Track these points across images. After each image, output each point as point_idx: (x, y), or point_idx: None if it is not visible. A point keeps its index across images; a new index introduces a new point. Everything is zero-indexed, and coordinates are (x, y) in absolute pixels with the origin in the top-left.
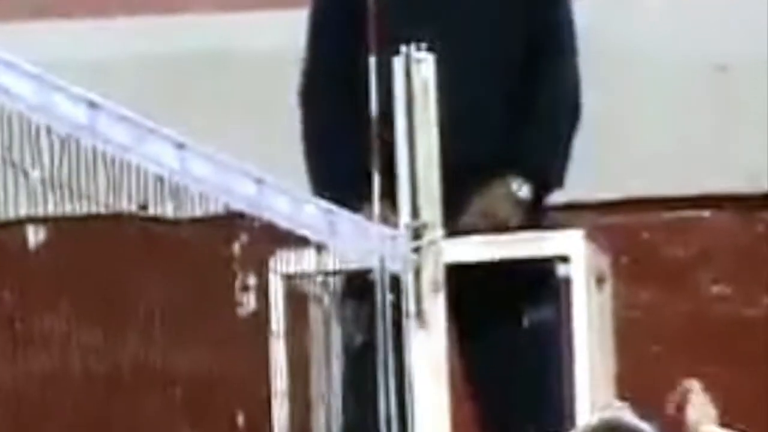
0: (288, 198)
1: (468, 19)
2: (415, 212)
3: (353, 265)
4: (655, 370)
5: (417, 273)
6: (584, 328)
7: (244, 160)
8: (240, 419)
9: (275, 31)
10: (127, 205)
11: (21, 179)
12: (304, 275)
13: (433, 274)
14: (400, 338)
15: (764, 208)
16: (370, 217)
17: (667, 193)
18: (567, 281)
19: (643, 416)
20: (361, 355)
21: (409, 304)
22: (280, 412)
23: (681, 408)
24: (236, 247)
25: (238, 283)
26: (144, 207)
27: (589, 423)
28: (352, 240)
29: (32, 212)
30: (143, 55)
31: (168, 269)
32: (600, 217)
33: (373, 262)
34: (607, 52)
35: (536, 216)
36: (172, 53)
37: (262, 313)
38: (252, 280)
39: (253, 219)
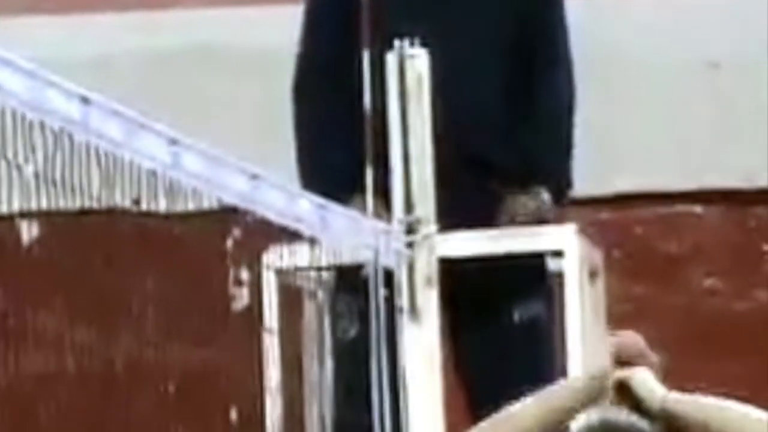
0: (281, 193)
1: (462, 16)
2: (408, 207)
3: (346, 260)
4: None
5: (410, 267)
6: (577, 323)
7: (237, 155)
8: (233, 414)
9: (267, 26)
10: (120, 200)
11: (14, 174)
12: (297, 270)
13: (426, 268)
14: (394, 332)
15: (756, 203)
16: (359, 210)
17: (660, 189)
18: (560, 276)
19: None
20: (355, 350)
21: (403, 299)
22: (274, 406)
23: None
24: (229, 242)
25: (231, 278)
26: (137, 202)
27: (587, 422)
28: (346, 235)
29: (25, 207)
30: (136, 50)
31: (161, 264)
32: (593, 212)
33: (366, 257)
34: (600, 49)
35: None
36: (164, 49)
37: (256, 308)
38: (245, 275)
39: (246, 214)
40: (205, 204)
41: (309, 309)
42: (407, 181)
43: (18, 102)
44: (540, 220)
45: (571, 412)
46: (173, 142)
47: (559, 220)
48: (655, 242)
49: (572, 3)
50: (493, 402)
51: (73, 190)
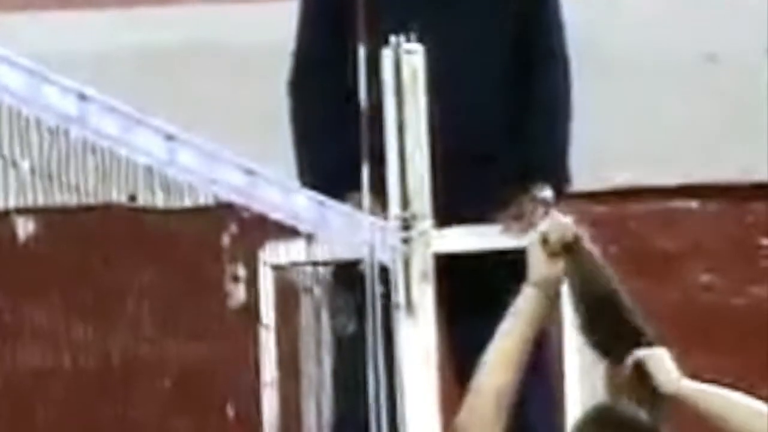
0: (278, 189)
1: (458, 12)
2: (404, 203)
3: (343, 256)
4: None
5: (406, 263)
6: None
7: (235, 151)
8: (230, 410)
9: (265, 23)
10: (116, 196)
11: (10, 170)
12: (294, 266)
13: (422, 264)
14: (390, 328)
15: (754, 198)
16: (355, 207)
17: (657, 184)
18: None
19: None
20: (352, 345)
21: (399, 294)
22: (270, 402)
23: None
24: (226, 238)
25: (227, 274)
26: (133, 198)
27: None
28: (342, 231)
29: (21, 203)
30: (133, 47)
31: (157, 260)
32: (589, 207)
33: (362, 253)
34: (596, 44)
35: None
36: (162, 45)
37: (252, 304)
38: (242, 271)
39: (242, 210)
40: (202, 200)
41: (305, 305)
42: (403, 177)
43: (14, 98)
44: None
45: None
46: (170, 138)
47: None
48: (652, 237)
49: None
50: None
51: (69, 186)
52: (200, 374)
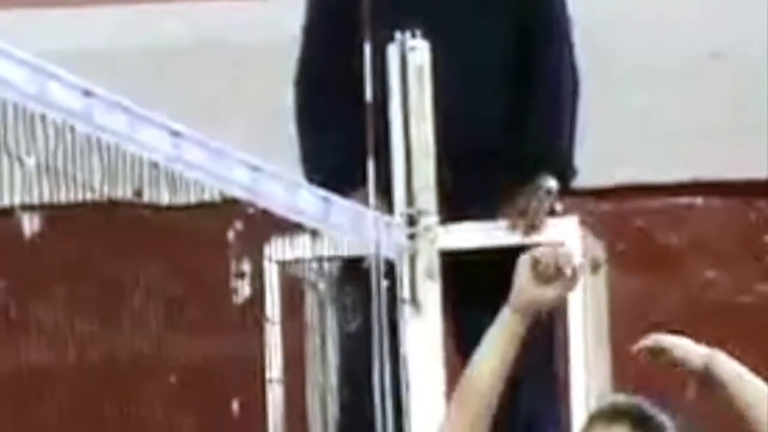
0: (283, 185)
1: (462, 8)
2: (410, 199)
3: (348, 252)
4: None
5: (412, 259)
6: (580, 315)
7: (242, 148)
8: (235, 405)
9: (272, 19)
10: (122, 192)
11: (16, 167)
12: (299, 261)
13: (427, 260)
14: (396, 324)
15: (758, 195)
16: (360, 203)
17: (661, 180)
18: None
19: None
20: (357, 340)
21: (404, 291)
22: (275, 397)
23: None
24: (231, 234)
25: (233, 270)
26: (139, 194)
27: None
28: (347, 227)
29: (27, 200)
30: (140, 43)
31: (163, 256)
32: (594, 203)
33: (368, 249)
34: (601, 40)
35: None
36: (170, 42)
37: (257, 300)
38: (247, 267)
39: (248, 206)
40: (207, 196)
41: (311, 300)
42: (408, 173)
43: (20, 94)
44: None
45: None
46: (175, 134)
47: (561, 211)
48: (657, 234)
49: None
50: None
51: (75, 182)
52: (205, 370)
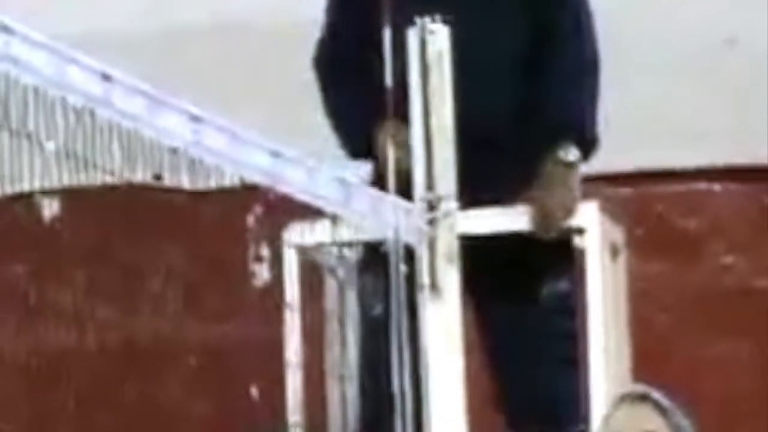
0: (303, 169)
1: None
2: (429, 184)
3: (368, 237)
4: (668, 341)
5: (431, 245)
6: (599, 300)
7: (260, 133)
8: (254, 391)
9: (293, 2)
10: (141, 176)
11: (36, 151)
12: (318, 246)
13: (447, 245)
14: (415, 310)
15: None
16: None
17: (680, 166)
18: (582, 253)
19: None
20: (376, 326)
21: (424, 276)
22: (294, 383)
23: None
24: (251, 219)
25: (252, 255)
26: (159, 178)
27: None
28: (367, 211)
29: (47, 184)
30: (159, 27)
31: (182, 241)
32: (613, 189)
33: (387, 234)
34: (617, 27)
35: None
36: (189, 25)
37: (277, 285)
38: (266, 252)
39: (267, 190)
40: (227, 181)
41: (330, 285)
42: (428, 159)
43: (39, 79)
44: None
45: None
46: (195, 118)
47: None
48: (676, 220)
49: None
50: (518, 378)
51: (94, 166)
52: (224, 355)
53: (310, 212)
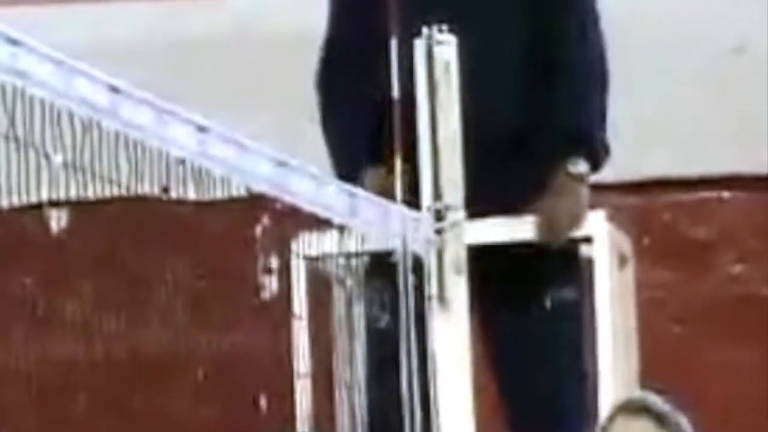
0: (310, 180)
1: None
2: (437, 194)
3: (375, 247)
4: (676, 350)
5: (439, 255)
6: (607, 309)
7: (268, 143)
8: (263, 401)
9: (300, 12)
10: (149, 188)
11: (43, 163)
12: (326, 257)
13: (455, 255)
14: (423, 320)
15: None
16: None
17: (688, 174)
18: (590, 262)
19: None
20: (385, 337)
21: (431, 286)
22: (303, 394)
23: None
24: (258, 230)
25: (260, 266)
26: (166, 190)
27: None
28: (375, 222)
29: (54, 196)
30: (165, 38)
31: (190, 252)
32: (621, 198)
33: (395, 244)
34: (625, 35)
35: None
36: (195, 36)
37: (285, 296)
38: (274, 263)
39: (275, 201)
40: (234, 191)
41: (338, 296)
42: (436, 168)
43: (46, 90)
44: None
45: None
46: (201, 129)
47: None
48: (684, 228)
49: None
50: (524, 387)
51: (101, 178)
52: (233, 366)
53: (318, 222)
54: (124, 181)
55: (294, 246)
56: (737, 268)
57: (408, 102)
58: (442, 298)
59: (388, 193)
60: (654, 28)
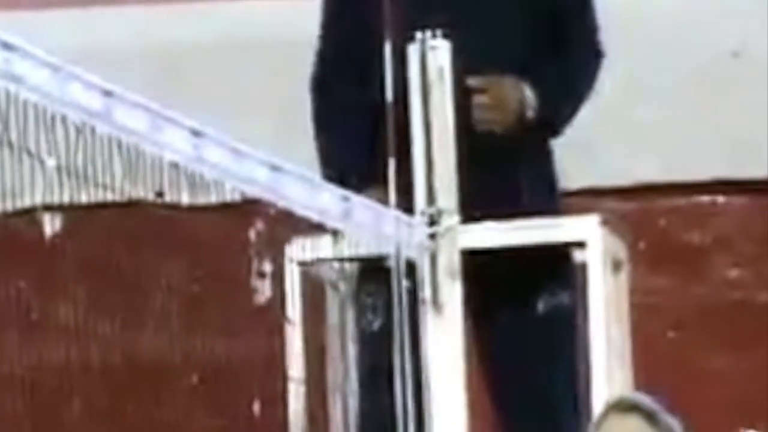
0: (304, 185)
1: (481, 4)
2: (431, 199)
3: (369, 252)
4: (671, 355)
5: (433, 259)
6: (601, 314)
7: (260, 147)
8: (256, 406)
9: (295, 18)
10: (143, 192)
11: (37, 167)
12: (320, 262)
13: (449, 260)
14: (417, 324)
15: None
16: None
17: (683, 179)
18: (584, 267)
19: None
20: (379, 342)
21: (425, 291)
22: (297, 398)
23: None
24: (252, 234)
25: (254, 270)
26: (160, 194)
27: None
28: (368, 227)
29: (48, 200)
30: (160, 43)
31: (184, 257)
32: (616, 202)
33: (389, 249)
34: (623, 39)
35: (555, 201)
36: (189, 41)
37: (278, 300)
38: (268, 267)
39: (269, 206)
40: (228, 196)
41: (332, 301)
42: (429, 173)
43: (40, 95)
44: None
45: None
46: (196, 134)
47: (582, 210)
48: (680, 233)
49: None
50: (517, 393)
51: (95, 183)
52: (226, 371)
53: (312, 227)
54: (118, 185)
55: (288, 251)
56: (733, 273)
57: (403, 107)
58: (435, 303)
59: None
60: (652, 31)
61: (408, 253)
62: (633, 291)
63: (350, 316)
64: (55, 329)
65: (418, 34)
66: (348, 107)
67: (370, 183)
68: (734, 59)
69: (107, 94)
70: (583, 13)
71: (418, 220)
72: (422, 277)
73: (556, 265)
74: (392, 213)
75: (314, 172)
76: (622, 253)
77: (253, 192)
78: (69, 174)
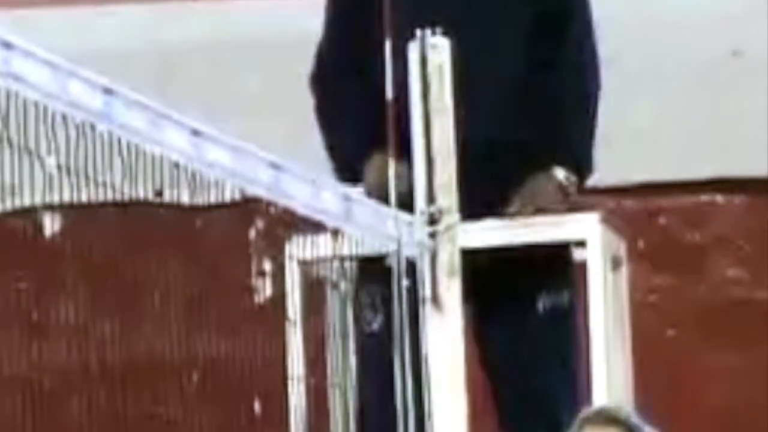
0: (304, 184)
1: (478, 4)
2: (431, 197)
3: (369, 251)
4: (670, 353)
5: (433, 258)
6: (600, 313)
7: (261, 146)
8: (257, 405)
9: (295, 17)
10: (143, 191)
11: (37, 166)
12: (320, 260)
13: (449, 259)
14: (417, 323)
15: None
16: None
17: (683, 178)
18: (583, 265)
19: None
20: (379, 340)
21: (425, 289)
22: (297, 397)
23: None
24: (252, 233)
25: (254, 269)
26: (160, 193)
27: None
28: (369, 225)
29: (48, 199)
30: (160, 42)
31: (184, 255)
32: (616, 201)
33: (389, 248)
34: (622, 37)
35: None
36: (190, 41)
37: (279, 299)
38: (268, 266)
39: (269, 205)
40: (228, 195)
41: (332, 299)
42: (429, 172)
43: (40, 94)
44: (558, 201)
45: None
46: (196, 133)
47: (581, 209)
48: (680, 232)
49: None
50: (517, 391)
51: (95, 181)
52: (227, 370)
53: (312, 226)
54: (118, 184)
55: (288, 249)
56: (732, 272)
57: (404, 105)
58: (435, 301)
59: (398, 175)
60: (651, 32)
61: (408, 251)
62: (632, 290)
63: (350, 314)
64: (55, 329)
65: (419, 32)
66: (349, 98)
67: (375, 152)
68: (734, 59)
69: (107, 92)
70: (580, 13)
71: (418, 218)
72: (422, 276)
73: (556, 263)
74: (392, 212)
75: (315, 171)
76: (622, 251)
77: (253, 191)
78: (69, 173)
